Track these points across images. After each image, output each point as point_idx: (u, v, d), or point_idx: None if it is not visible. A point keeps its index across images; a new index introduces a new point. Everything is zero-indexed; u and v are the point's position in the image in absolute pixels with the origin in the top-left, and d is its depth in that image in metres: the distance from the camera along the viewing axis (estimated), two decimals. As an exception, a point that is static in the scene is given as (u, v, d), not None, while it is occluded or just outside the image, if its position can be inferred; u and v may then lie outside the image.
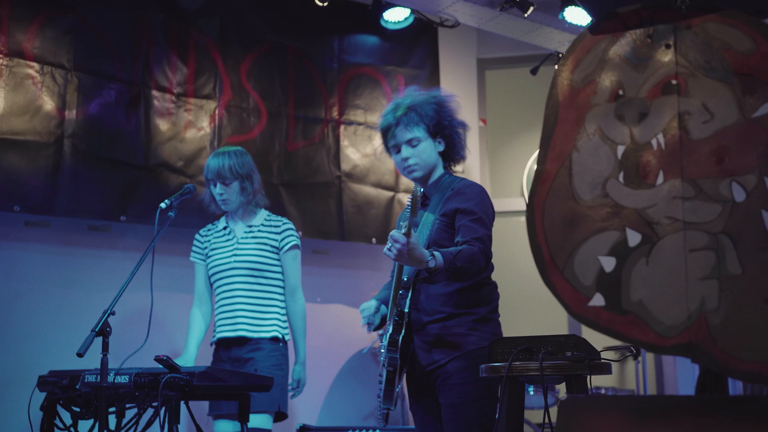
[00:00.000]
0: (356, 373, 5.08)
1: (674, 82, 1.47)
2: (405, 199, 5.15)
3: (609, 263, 1.44)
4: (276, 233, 3.58)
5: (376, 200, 5.04)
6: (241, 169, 3.49)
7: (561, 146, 1.52)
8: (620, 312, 1.42)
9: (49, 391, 3.05)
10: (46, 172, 4.05)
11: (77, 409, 2.97)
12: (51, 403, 3.02)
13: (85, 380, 2.92)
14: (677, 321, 1.38)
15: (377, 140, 5.14)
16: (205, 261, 3.64)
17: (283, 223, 3.63)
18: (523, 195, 5.96)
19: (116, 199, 4.24)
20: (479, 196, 2.74)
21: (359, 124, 5.09)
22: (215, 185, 3.52)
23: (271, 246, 3.56)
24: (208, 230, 3.70)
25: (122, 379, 2.82)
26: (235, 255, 3.53)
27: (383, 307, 2.84)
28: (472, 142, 5.70)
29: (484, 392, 2.53)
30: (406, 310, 2.68)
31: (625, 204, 1.46)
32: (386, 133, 2.86)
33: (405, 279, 2.70)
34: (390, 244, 2.43)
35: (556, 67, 5.01)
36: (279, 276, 3.58)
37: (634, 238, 1.44)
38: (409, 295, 2.70)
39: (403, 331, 2.64)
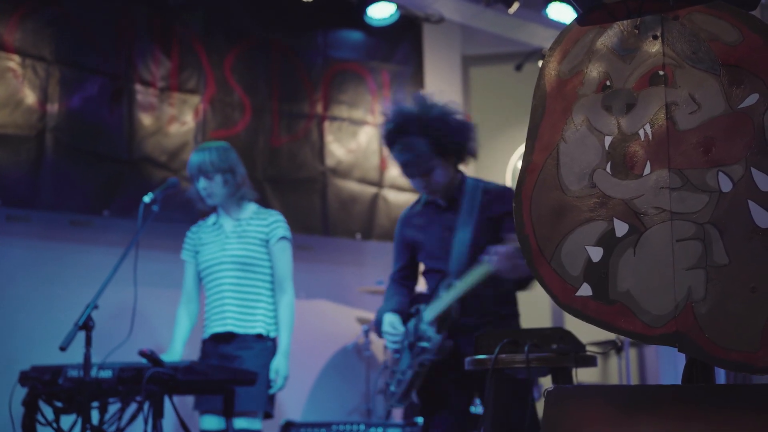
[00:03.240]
0: (340, 369, 5.07)
1: (661, 72, 1.47)
2: (389, 194, 5.14)
3: (596, 253, 1.44)
4: (264, 225, 3.53)
5: (360, 196, 5.03)
6: (222, 162, 3.47)
7: (548, 137, 1.52)
8: (607, 302, 1.42)
9: (30, 386, 3.01)
10: (28, 165, 4.01)
11: (59, 404, 2.93)
12: (33, 398, 2.98)
13: (68, 375, 2.88)
14: (664, 311, 1.38)
15: (362, 136, 5.15)
16: (195, 259, 3.61)
17: (272, 215, 3.59)
18: (507, 191, 5.96)
19: (99, 194, 4.20)
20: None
21: (344, 119, 5.08)
22: (198, 180, 3.50)
23: (259, 239, 3.51)
24: (199, 226, 3.67)
25: (105, 374, 2.79)
26: (224, 249, 3.50)
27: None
28: (457, 139, 5.72)
29: None
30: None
31: (612, 194, 1.46)
32: (398, 164, 2.98)
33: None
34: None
35: (540, 62, 5.03)
36: (267, 269, 3.53)
37: (621, 228, 1.44)
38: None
39: None
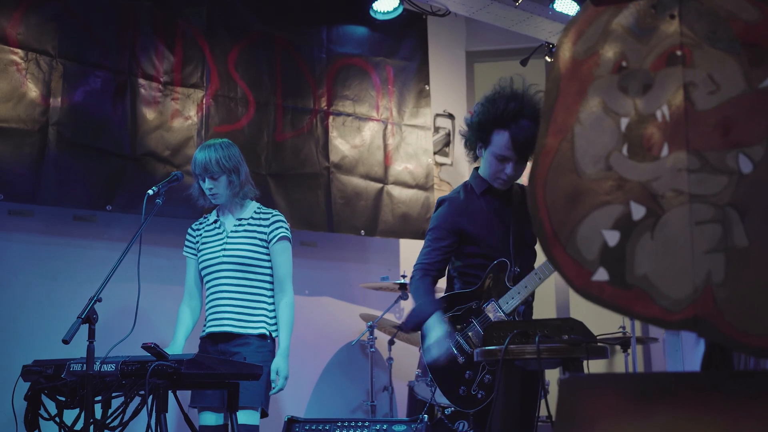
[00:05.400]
0: (344, 366, 5.04)
1: (679, 53, 1.43)
2: (394, 191, 5.10)
3: (613, 237, 1.40)
4: (265, 225, 3.50)
5: (364, 192, 5.00)
6: (227, 162, 3.43)
7: (563, 119, 1.49)
8: (624, 286, 1.38)
9: (33, 380, 2.99)
10: (31, 160, 3.99)
11: (62, 399, 2.91)
12: (35, 393, 2.96)
13: (71, 369, 2.86)
14: (683, 295, 1.34)
15: (366, 132, 5.12)
16: (196, 256, 3.58)
17: (273, 215, 3.55)
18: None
19: (102, 189, 4.18)
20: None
21: (348, 115, 5.05)
22: (204, 180, 3.46)
23: (260, 239, 3.48)
24: (200, 224, 3.64)
25: (109, 368, 2.76)
26: (224, 249, 3.47)
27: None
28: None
29: None
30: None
31: (629, 177, 1.42)
32: (516, 142, 2.83)
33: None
34: None
35: (546, 57, 4.92)
36: (267, 270, 3.49)
37: (638, 211, 1.40)
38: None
39: None
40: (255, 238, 3.48)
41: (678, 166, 1.39)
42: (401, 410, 4.91)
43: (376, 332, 4.76)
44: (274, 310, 3.49)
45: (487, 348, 2.14)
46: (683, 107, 1.41)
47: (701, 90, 1.41)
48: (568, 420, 1.47)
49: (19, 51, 4.04)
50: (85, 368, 2.71)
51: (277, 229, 3.51)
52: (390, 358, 4.76)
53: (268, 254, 3.49)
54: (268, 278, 3.49)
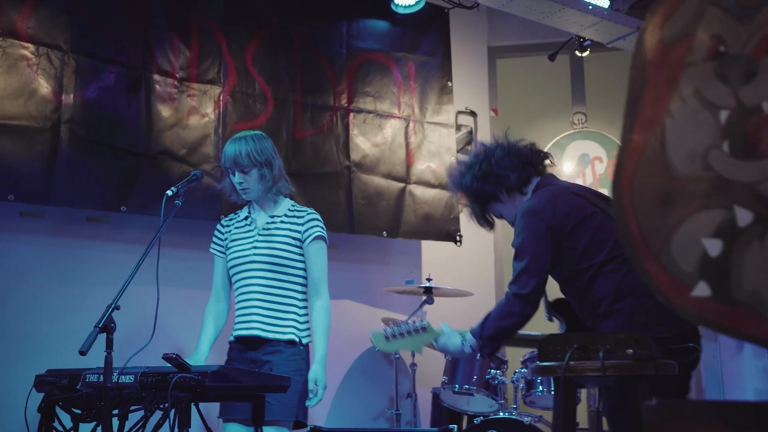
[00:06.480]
0: (366, 372, 4.87)
1: (788, 35, 1.26)
2: (416, 190, 4.93)
3: (714, 246, 1.23)
4: (299, 224, 3.29)
5: (386, 191, 4.83)
6: (259, 155, 3.23)
7: (651, 112, 1.31)
8: (730, 303, 1.21)
9: (47, 391, 2.84)
10: (42, 159, 3.83)
11: (78, 411, 2.76)
12: (49, 405, 2.81)
13: (87, 380, 2.71)
14: (801, 314, 1.17)
15: (388, 129, 4.95)
16: (224, 254, 3.38)
17: (308, 213, 3.33)
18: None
19: (116, 189, 4.01)
20: (519, 222, 2.73)
21: (369, 112, 4.88)
22: (234, 174, 3.28)
23: (294, 238, 3.27)
24: (230, 220, 3.44)
25: (127, 379, 2.61)
26: (255, 247, 3.26)
27: None
28: (483, 133, 5.51)
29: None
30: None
31: (731, 178, 1.25)
32: None
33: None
34: None
35: (576, 51, 4.68)
36: (300, 272, 3.28)
37: (744, 217, 1.23)
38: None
39: None
40: (288, 236, 3.27)
41: (791, 166, 1.22)
42: (425, 418, 4.74)
43: (399, 337, 4.58)
44: (305, 315, 3.28)
45: (544, 364, 1.97)
46: (795, 98, 1.24)
47: (816, 78, 1.23)
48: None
49: (29, 45, 3.88)
50: (102, 379, 2.55)
51: (312, 228, 3.29)
52: (413, 364, 4.59)
53: (301, 254, 3.28)
54: (300, 279, 3.28)
